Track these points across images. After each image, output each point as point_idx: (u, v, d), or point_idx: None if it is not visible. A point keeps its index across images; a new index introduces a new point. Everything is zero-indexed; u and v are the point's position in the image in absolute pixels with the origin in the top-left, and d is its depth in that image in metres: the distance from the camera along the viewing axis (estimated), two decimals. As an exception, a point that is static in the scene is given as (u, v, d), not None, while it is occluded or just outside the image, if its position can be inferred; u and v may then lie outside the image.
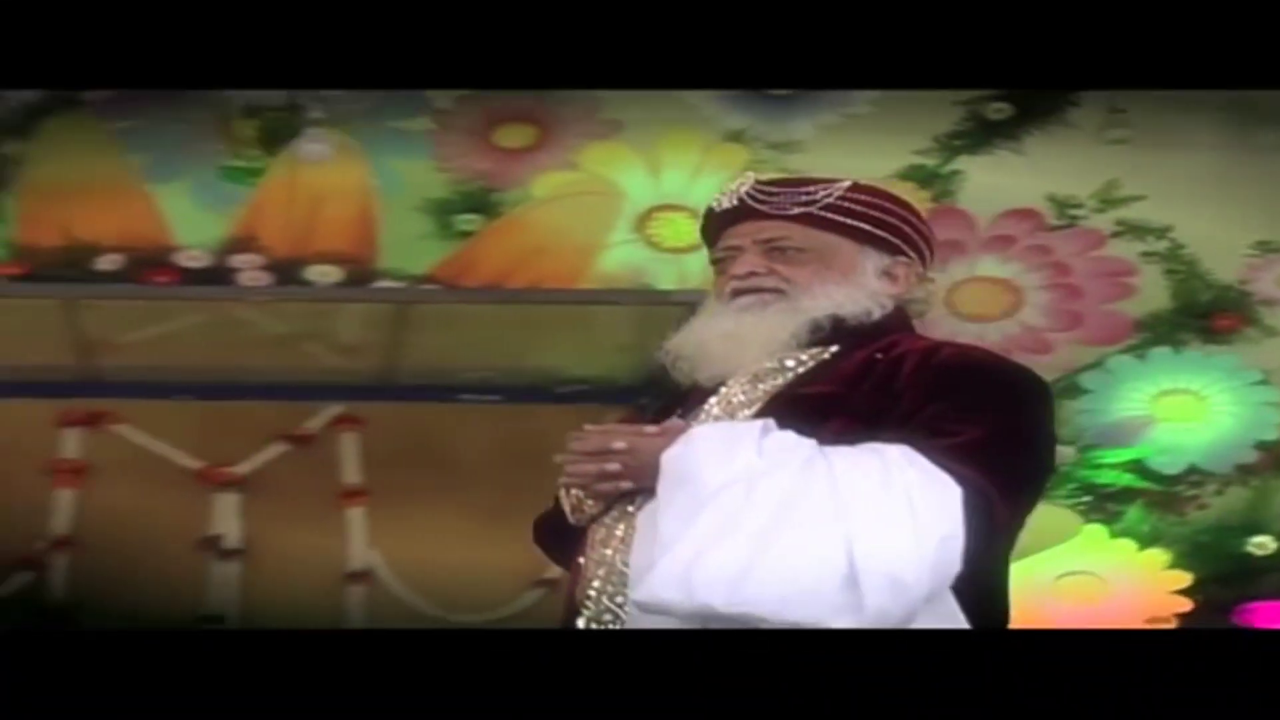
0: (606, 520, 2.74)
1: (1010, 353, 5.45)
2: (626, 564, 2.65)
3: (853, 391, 2.71)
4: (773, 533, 2.46)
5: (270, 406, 5.57)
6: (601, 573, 2.70)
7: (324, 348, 5.62)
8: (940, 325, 5.51)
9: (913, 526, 2.46)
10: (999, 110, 5.67)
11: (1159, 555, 5.29)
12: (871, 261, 2.83)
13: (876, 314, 2.81)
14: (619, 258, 5.74)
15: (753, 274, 2.83)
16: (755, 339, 2.80)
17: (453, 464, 5.61)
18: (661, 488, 2.59)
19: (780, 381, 2.77)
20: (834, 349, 2.79)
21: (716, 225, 2.91)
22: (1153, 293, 5.58)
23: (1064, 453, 5.38)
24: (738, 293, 2.83)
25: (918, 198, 5.61)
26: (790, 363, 2.79)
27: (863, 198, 2.85)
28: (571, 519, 2.82)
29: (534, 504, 5.33)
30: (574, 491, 2.79)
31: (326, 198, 5.59)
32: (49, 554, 5.41)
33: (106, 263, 5.43)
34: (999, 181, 5.71)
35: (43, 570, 5.40)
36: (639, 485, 2.66)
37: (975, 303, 5.62)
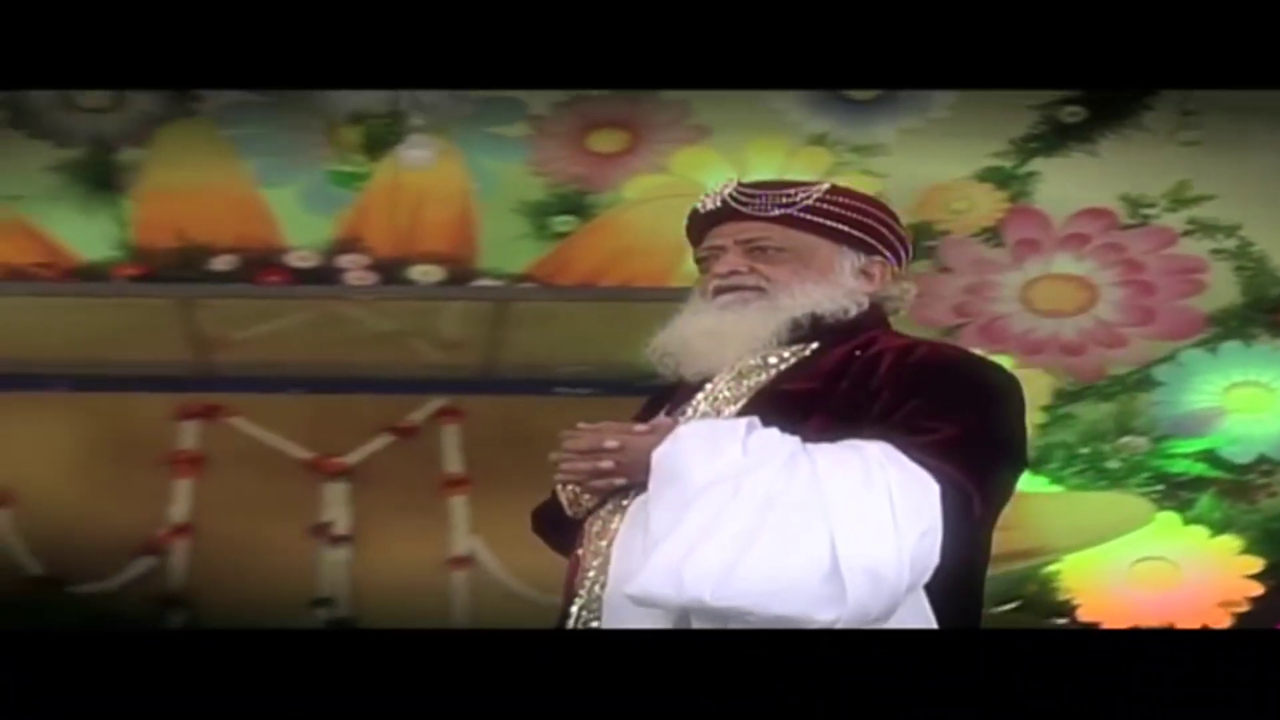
0: (602, 514, 2.75)
1: (1086, 347, 5.56)
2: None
3: (832, 388, 2.72)
4: (758, 529, 2.47)
5: (376, 400, 5.60)
6: (597, 563, 2.71)
7: (427, 343, 5.68)
8: (1017, 320, 5.61)
9: (893, 523, 2.47)
10: (1073, 114, 5.71)
11: (1231, 541, 5.33)
12: (848, 261, 2.84)
13: (853, 311, 2.82)
14: None
15: (734, 272, 2.83)
16: (736, 335, 2.81)
17: (549, 454, 5.51)
18: (652, 484, 2.60)
19: (764, 378, 2.79)
20: (814, 346, 2.80)
21: (702, 226, 2.91)
22: (1223, 289, 5.62)
23: (1136, 443, 5.45)
24: (719, 290, 2.83)
25: (995, 198, 5.73)
26: (773, 360, 2.80)
27: (841, 200, 2.86)
28: (569, 512, 2.84)
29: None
30: (570, 487, 2.80)
31: (428, 200, 5.65)
32: (169, 540, 5.46)
33: (220, 263, 5.53)
34: (1073, 182, 5.74)
35: (163, 555, 5.44)
36: (632, 481, 2.66)
37: (1051, 299, 5.67)
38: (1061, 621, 5.24)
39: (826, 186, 2.89)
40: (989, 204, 5.76)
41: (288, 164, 5.79)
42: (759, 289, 2.82)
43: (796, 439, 2.60)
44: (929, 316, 5.61)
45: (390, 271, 5.55)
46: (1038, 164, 5.76)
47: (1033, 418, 5.42)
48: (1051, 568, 5.29)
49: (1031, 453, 5.32)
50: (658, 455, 2.59)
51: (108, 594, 5.40)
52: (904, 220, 5.58)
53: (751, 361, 2.80)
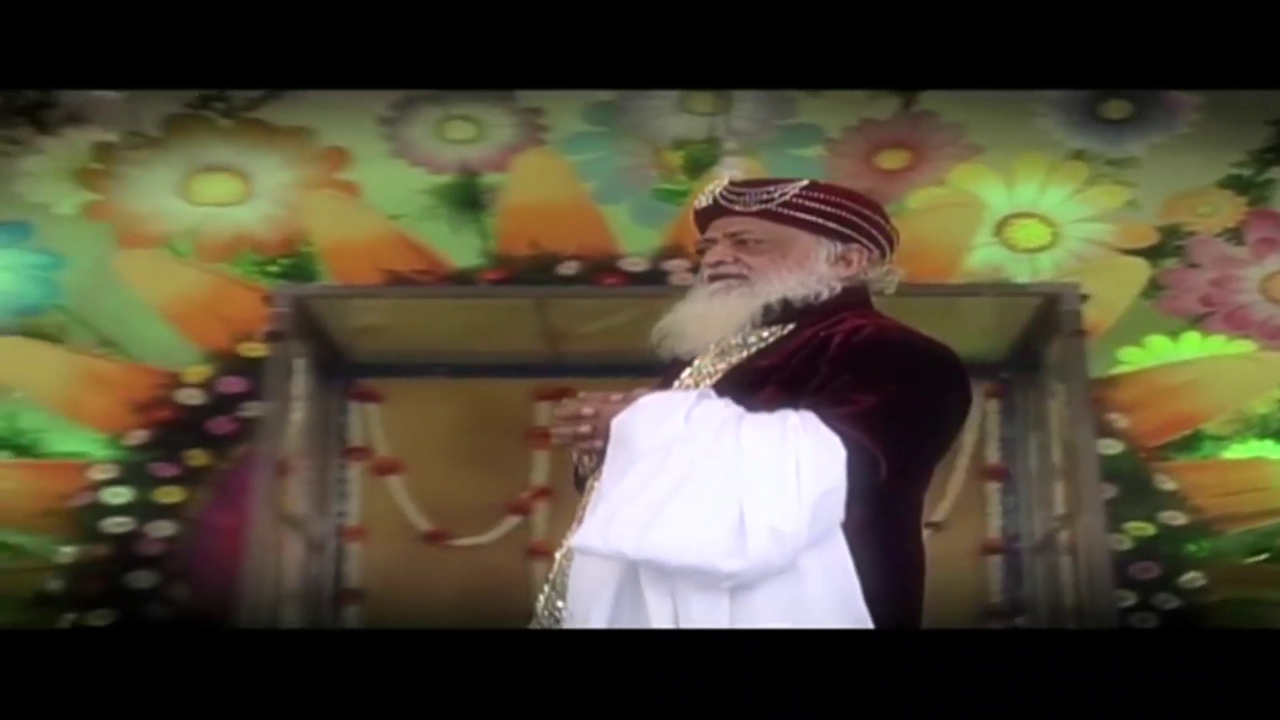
0: (596, 474, 2.77)
1: (1319, 329, 5.61)
2: None
3: (789, 364, 2.73)
4: (676, 490, 2.49)
5: (697, 384, 5.78)
6: (580, 517, 2.78)
7: (740, 334, 5.84)
8: (1258, 309, 5.73)
9: (796, 484, 2.48)
10: (1307, 126, 5.82)
11: None
12: (824, 249, 2.83)
13: (824, 295, 2.81)
14: (981, 257, 5.91)
15: (721, 262, 2.84)
16: (719, 318, 2.82)
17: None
18: (609, 448, 2.63)
19: (742, 356, 2.80)
20: (790, 327, 2.81)
21: (700, 220, 2.93)
22: None
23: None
24: (711, 279, 2.86)
25: (1235, 203, 5.85)
26: (752, 340, 2.82)
27: (817, 195, 2.85)
28: (580, 472, 2.89)
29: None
30: (570, 450, 2.85)
31: None
32: (532, 502, 5.66)
33: (567, 268, 5.66)
34: (1308, 187, 5.83)
35: (528, 515, 5.65)
36: (606, 444, 2.67)
37: (1288, 288, 5.78)
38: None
39: (804, 183, 2.88)
40: (1230, 208, 5.86)
41: (621, 184, 5.96)
42: (742, 276, 2.82)
43: (740, 409, 2.62)
44: (1180, 306, 5.77)
45: (709, 274, 5.68)
46: (1274, 172, 5.85)
47: (1275, 393, 5.55)
48: (1298, 523, 5.38)
49: (1276, 424, 5.46)
50: (616, 423, 2.64)
51: (483, 546, 5.61)
52: (1155, 223, 5.78)
53: (733, 341, 2.83)
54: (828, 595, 2.54)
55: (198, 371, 5.65)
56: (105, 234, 5.97)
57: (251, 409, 5.50)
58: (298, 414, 5.52)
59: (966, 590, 5.52)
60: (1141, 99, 6.02)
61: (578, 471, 2.92)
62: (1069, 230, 5.94)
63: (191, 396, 5.61)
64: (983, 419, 5.65)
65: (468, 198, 6.02)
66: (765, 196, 2.84)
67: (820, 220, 2.83)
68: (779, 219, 2.83)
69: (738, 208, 2.85)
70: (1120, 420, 5.47)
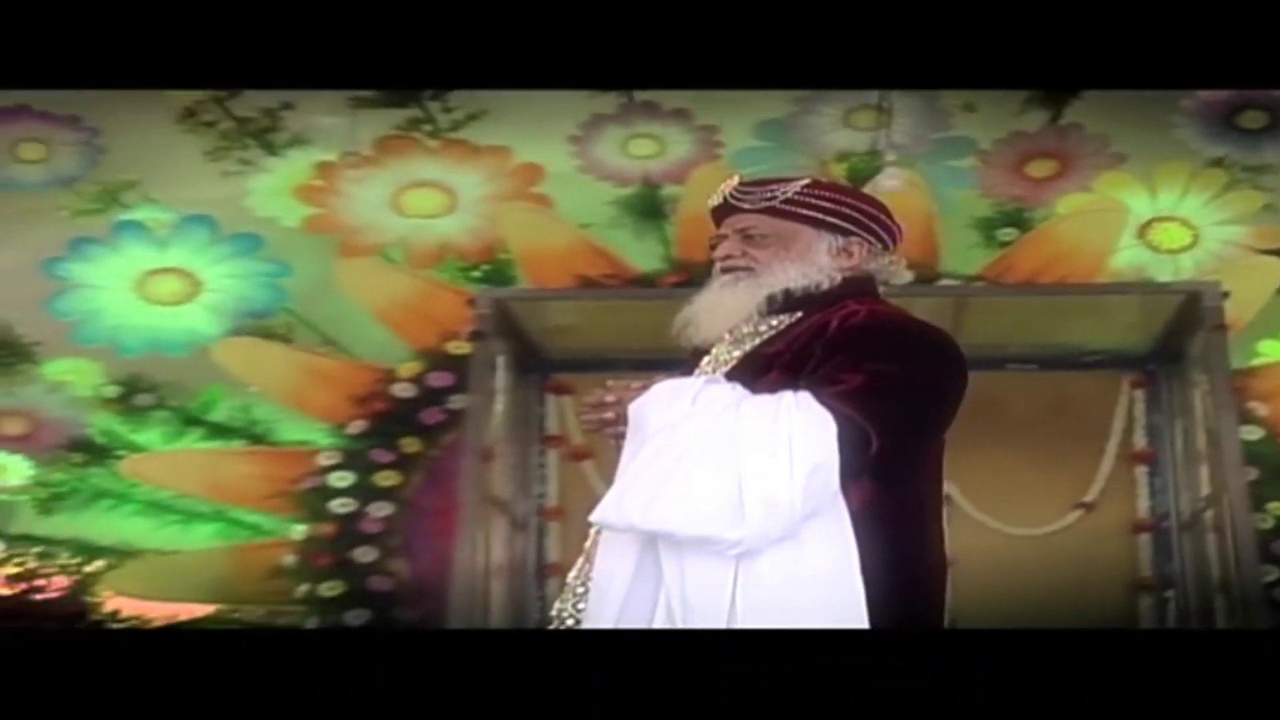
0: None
1: None
2: None
3: (792, 349, 2.76)
4: (678, 466, 2.53)
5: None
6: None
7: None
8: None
9: (789, 458, 2.52)
10: None
11: None
12: (825, 242, 2.84)
13: (825, 285, 2.82)
14: (1126, 259, 6.04)
15: (730, 256, 2.86)
16: (727, 309, 2.85)
17: (1006, 417, 5.63)
18: (628, 431, 2.67)
19: (754, 343, 2.82)
20: (798, 315, 2.83)
21: (715, 217, 2.94)
22: None
23: None
24: (721, 272, 2.88)
25: (1370, 203, 5.94)
26: (764, 328, 2.84)
27: (817, 192, 2.86)
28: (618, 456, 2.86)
29: (1070, 446, 5.62)
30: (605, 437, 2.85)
31: (900, 219, 5.84)
32: None
33: None
34: None
35: None
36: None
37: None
38: None
39: (805, 181, 2.89)
40: (1362, 208, 5.98)
41: (790, 195, 6.17)
42: (749, 269, 2.84)
43: (744, 392, 2.65)
44: (1306, 296, 5.90)
45: (873, 275, 5.80)
46: (1406, 176, 5.94)
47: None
48: None
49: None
50: (633, 408, 2.68)
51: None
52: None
53: (746, 329, 2.84)
54: (825, 567, 2.56)
55: (410, 367, 5.92)
56: (326, 244, 6.26)
57: (458, 401, 5.74)
58: (499, 405, 5.72)
59: (1119, 566, 5.69)
60: (1278, 109, 6.09)
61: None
62: (1209, 233, 6.07)
63: (405, 390, 5.89)
64: (1130, 407, 5.80)
65: (650, 208, 6.22)
66: (769, 195, 2.86)
67: (820, 215, 2.85)
68: (782, 215, 2.86)
69: (745, 205, 2.88)
70: (1260, 408, 5.60)
